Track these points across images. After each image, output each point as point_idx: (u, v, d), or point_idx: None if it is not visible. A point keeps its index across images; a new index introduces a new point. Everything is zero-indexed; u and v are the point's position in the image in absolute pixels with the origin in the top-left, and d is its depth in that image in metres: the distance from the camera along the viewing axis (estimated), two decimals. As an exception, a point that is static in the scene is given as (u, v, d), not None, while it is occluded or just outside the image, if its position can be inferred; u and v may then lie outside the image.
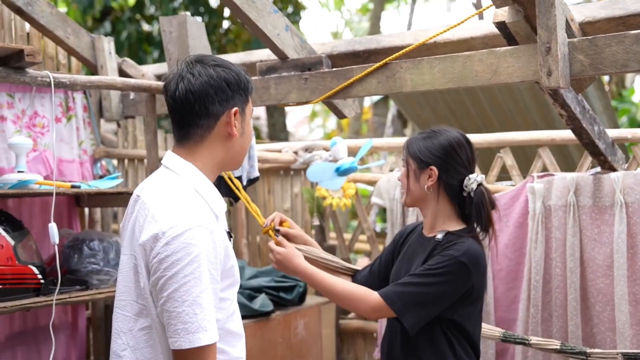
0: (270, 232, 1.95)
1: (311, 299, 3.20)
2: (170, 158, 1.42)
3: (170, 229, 1.28)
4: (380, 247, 3.53)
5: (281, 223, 1.95)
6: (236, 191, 2.20)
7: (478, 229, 1.82)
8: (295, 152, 3.42)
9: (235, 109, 1.39)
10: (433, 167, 1.80)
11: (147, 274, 1.32)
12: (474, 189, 1.81)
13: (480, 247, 1.79)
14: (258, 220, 2.02)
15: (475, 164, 1.85)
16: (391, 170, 3.38)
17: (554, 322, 2.55)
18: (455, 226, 1.83)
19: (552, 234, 2.57)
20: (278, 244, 1.91)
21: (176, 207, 1.32)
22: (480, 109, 4.52)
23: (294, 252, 1.88)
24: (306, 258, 1.91)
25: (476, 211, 1.80)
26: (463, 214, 1.83)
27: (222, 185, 2.42)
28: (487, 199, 1.82)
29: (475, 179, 1.82)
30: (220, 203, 1.43)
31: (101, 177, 2.95)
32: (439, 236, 1.79)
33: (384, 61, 2.19)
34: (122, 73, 3.01)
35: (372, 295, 1.77)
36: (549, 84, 1.85)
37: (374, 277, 1.98)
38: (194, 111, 1.38)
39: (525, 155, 4.02)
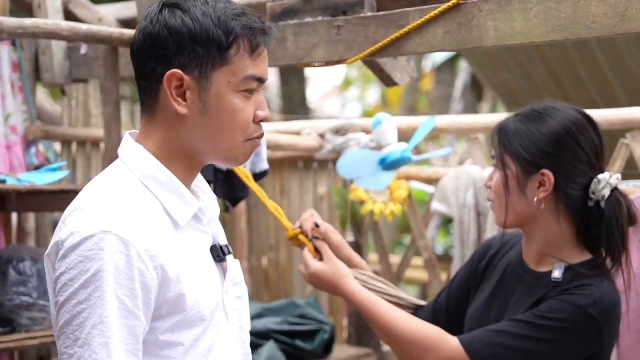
0: (302, 237, 1.98)
1: (341, 350, 3.21)
2: (122, 141, 1.46)
3: (69, 236, 1.31)
4: (443, 277, 3.49)
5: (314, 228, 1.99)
6: (245, 180, 2.17)
7: (606, 258, 1.81)
8: (321, 135, 3.41)
9: (172, 71, 1.38)
10: (546, 171, 1.79)
11: (53, 296, 1.38)
12: (606, 196, 1.79)
13: (617, 294, 1.78)
14: (281, 222, 2.03)
15: (604, 157, 1.84)
16: (460, 163, 3.34)
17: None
18: (577, 256, 1.82)
19: None
20: (314, 253, 1.94)
21: (89, 207, 1.33)
22: (597, 74, 4.46)
23: (340, 268, 1.92)
24: None
25: (608, 231, 1.79)
26: (586, 235, 1.83)
27: (218, 181, 2.42)
28: (625, 211, 1.80)
29: (607, 180, 1.80)
30: (187, 203, 1.42)
31: (37, 167, 2.96)
32: (557, 274, 1.79)
33: (454, 0, 2.16)
34: (69, 15, 3.03)
35: (448, 341, 1.78)
36: None
37: (440, 315, 1.99)
38: (135, 69, 1.44)
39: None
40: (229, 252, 1.50)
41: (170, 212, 1.40)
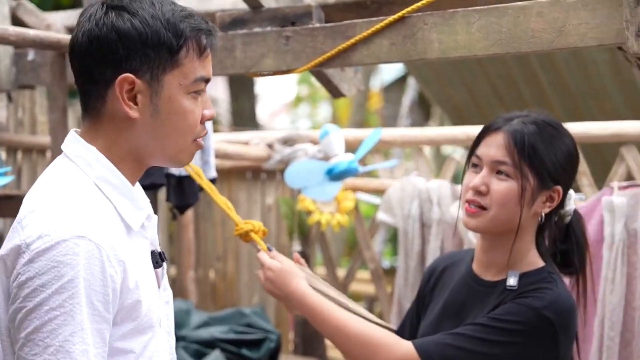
0: (254, 235, 1.97)
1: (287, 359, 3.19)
2: (70, 139, 1.42)
3: (37, 239, 1.27)
4: (389, 289, 3.52)
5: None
6: (195, 177, 2.16)
7: (565, 270, 1.84)
8: (270, 146, 3.41)
9: (124, 75, 1.36)
10: (558, 187, 1.80)
11: (4, 303, 1.33)
12: (571, 212, 1.84)
13: (573, 299, 1.78)
14: (231, 217, 2.02)
15: None
16: (406, 175, 3.38)
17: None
18: (532, 264, 1.82)
19: (637, 272, 2.57)
20: (267, 250, 1.93)
21: (53, 209, 1.31)
22: (537, 90, 4.55)
23: (293, 270, 1.90)
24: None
25: (578, 244, 1.83)
26: (548, 246, 1.85)
27: (171, 187, 2.41)
28: (584, 225, 1.86)
29: (573, 197, 1.85)
30: (136, 206, 1.42)
31: (-18, 174, 2.91)
32: (512, 281, 1.77)
33: (400, 13, 2.18)
34: (17, 22, 2.98)
35: (400, 343, 1.76)
36: (639, 50, 1.85)
37: None
38: (78, 72, 1.40)
39: (601, 157, 4.03)
40: (165, 259, 1.49)
41: (124, 217, 1.39)
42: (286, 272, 1.88)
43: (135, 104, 1.38)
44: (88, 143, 1.40)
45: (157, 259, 1.45)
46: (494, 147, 1.80)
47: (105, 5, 1.39)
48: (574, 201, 1.85)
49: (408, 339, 1.92)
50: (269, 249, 1.97)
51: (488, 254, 1.85)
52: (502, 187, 1.77)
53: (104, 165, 1.39)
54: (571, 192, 1.85)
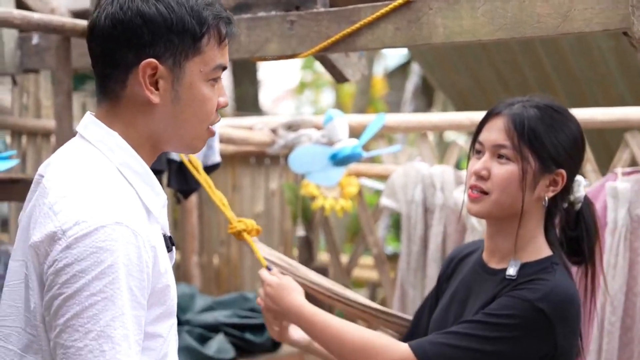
0: (246, 236, 1.99)
1: (290, 344, 3.20)
2: (88, 123, 1.42)
3: (74, 225, 1.27)
4: (392, 275, 3.53)
5: None
6: (193, 171, 2.17)
7: (574, 259, 1.83)
8: (274, 131, 3.41)
9: (149, 61, 1.36)
10: (562, 171, 1.78)
11: (39, 289, 1.32)
12: (581, 198, 1.82)
13: (573, 288, 1.75)
14: (225, 214, 2.03)
15: None
16: (410, 161, 3.38)
17: (637, 386, 2.55)
18: (537, 253, 1.80)
19: (640, 257, 2.57)
20: (260, 255, 1.96)
21: (86, 194, 1.31)
22: (542, 76, 4.54)
23: (291, 285, 1.91)
24: (318, 297, 1.96)
25: (588, 232, 1.81)
26: (558, 235, 1.83)
27: (172, 172, 2.41)
28: (595, 213, 1.84)
29: (583, 183, 1.83)
30: (155, 192, 1.43)
31: (-13, 157, 2.92)
32: (512, 271, 1.76)
33: (405, -3, 2.18)
34: (22, 4, 2.98)
35: (397, 345, 1.76)
36: (644, 35, 1.85)
37: (423, 335, 1.93)
38: (99, 55, 1.40)
39: (605, 143, 4.03)
40: (174, 243, 1.51)
41: (146, 202, 1.39)
42: (284, 287, 1.91)
43: (157, 89, 1.38)
44: (109, 128, 1.40)
45: (168, 244, 1.46)
46: (495, 132, 1.80)
47: None
48: (584, 188, 1.83)
49: (425, 325, 1.95)
50: (269, 268, 1.98)
51: (493, 240, 1.84)
52: (502, 170, 1.77)
53: (125, 151, 1.39)
54: (580, 178, 1.83)
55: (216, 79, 1.43)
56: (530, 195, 1.77)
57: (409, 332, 2.00)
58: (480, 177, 1.79)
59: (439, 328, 1.84)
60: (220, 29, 1.41)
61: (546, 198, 1.79)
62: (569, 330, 1.72)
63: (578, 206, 1.83)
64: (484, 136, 1.83)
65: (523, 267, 1.76)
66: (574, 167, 1.81)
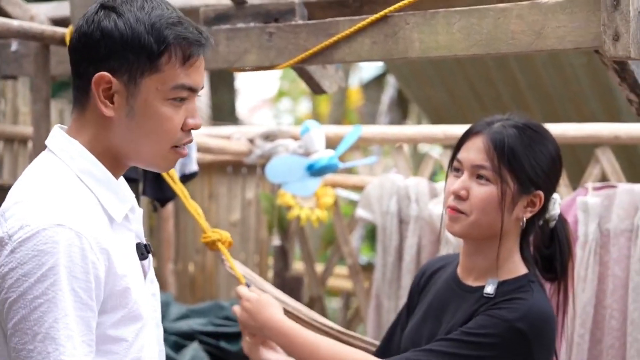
0: (220, 245, 2.01)
1: (264, 353, 3.19)
2: (54, 133, 1.45)
3: (19, 230, 1.29)
4: (366, 285, 3.54)
5: None
6: (168, 179, 2.18)
7: (548, 276, 1.83)
8: (251, 141, 3.42)
9: (101, 74, 1.37)
10: (540, 192, 1.77)
11: None
12: (556, 216, 1.82)
13: (549, 306, 1.75)
14: (199, 223, 2.04)
15: None
16: (385, 172, 3.40)
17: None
18: (513, 271, 1.79)
19: (610, 270, 2.60)
20: (233, 265, 1.97)
21: (35, 199, 1.32)
22: (515, 92, 4.58)
23: (269, 301, 1.91)
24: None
25: (562, 249, 1.81)
26: (533, 252, 1.83)
27: (148, 180, 2.41)
28: (570, 231, 1.83)
29: (558, 201, 1.82)
30: (119, 199, 1.43)
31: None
32: (489, 289, 1.75)
33: (382, 13, 2.20)
34: (1, 11, 2.96)
35: None
36: (615, 53, 1.88)
37: (395, 352, 1.92)
38: (71, 67, 1.44)
39: (576, 158, 4.06)
40: (150, 251, 1.51)
41: (107, 209, 1.40)
42: (263, 303, 1.90)
43: (112, 103, 1.39)
44: (72, 137, 1.42)
45: (143, 251, 1.47)
46: (474, 151, 1.78)
47: (100, 5, 1.41)
48: (558, 205, 1.83)
49: (398, 341, 1.93)
50: (247, 285, 1.99)
51: (471, 259, 1.83)
52: (482, 191, 1.75)
53: (86, 158, 1.40)
54: (556, 196, 1.83)
55: (180, 99, 1.41)
56: (508, 217, 1.76)
57: (381, 348, 1.99)
58: (458, 197, 1.78)
59: (412, 344, 1.83)
60: (184, 49, 1.39)
61: (524, 219, 1.78)
62: (546, 348, 1.72)
63: (552, 224, 1.83)
64: (462, 155, 1.81)
65: (501, 285, 1.75)
66: (552, 188, 1.81)
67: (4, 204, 1.35)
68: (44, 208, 1.30)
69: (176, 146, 1.43)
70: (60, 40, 2.41)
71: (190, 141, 1.46)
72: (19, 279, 1.27)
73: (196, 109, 1.46)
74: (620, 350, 2.56)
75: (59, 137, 1.43)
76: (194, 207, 2.10)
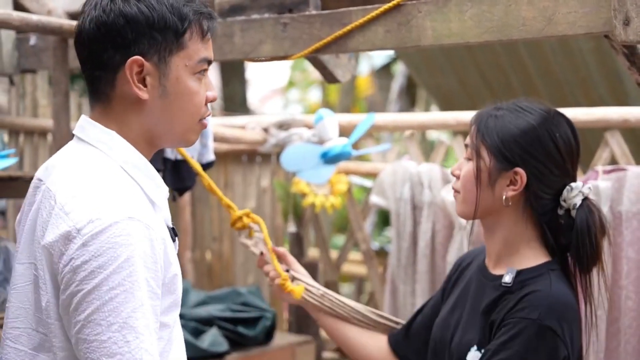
0: (246, 220, 2.04)
1: (282, 337, 3.22)
2: (85, 125, 1.44)
3: (88, 224, 1.29)
4: (380, 270, 3.55)
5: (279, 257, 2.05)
6: (197, 168, 2.20)
7: (574, 267, 1.75)
8: (266, 130, 3.43)
9: (134, 58, 1.39)
10: (519, 170, 1.73)
11: (53, 288, 1.33)
12: (577, 204, 1.73)
13: (567, 290, 1.72)
14: (231, 212, 2.09)
15: (577, 164, 1.79)
16: (398, 159, 3.40)
17: (623, 376, 2.59)
18: (532, 259, 1.76)
19: (623, 252, 2.61)
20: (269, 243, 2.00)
21: (95, 193, 1.33)
22: (524, 78, 4.57)
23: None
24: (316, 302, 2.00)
25: (579, 240, 1.72)
26: (553, 241, 1.77)
27: (167, 170, 2.43)
28: (598, 221, 1.73)
29: (580, 189, 1.74)
30: (158, 186, 1.45)
31: (-15, 156, 2.91)
32: (507, 278, 1.73)
33: (395, 1, 2.20)
34: (19, 6, 2.97)
35: None
36: (625, 38, 1.87)
37: (415, 343, 1.95)
38: (87, 59, 1.42)
39: (586, 142, 4.04)
40: (177, 234, 1.53)
41: (150, 195, 1.41)
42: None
43: (145, 85, 1.41)
44: (107, 128, 1.42)
45: (172, 234, 1.48)
46: (469, 135, 1.82)
47: None
48: (579, 193, 1.74)
49: (419, 326, 1.96)
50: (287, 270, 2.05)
51: (487, 244, 1.83)
52: (465, 168, 1.79)
53: (126, 148, 1.41)
54: (577, 183, 1.76)
55: (202, 73, 1.46)
56: (490, 194, 1.75)
57: (403, 332, 2.00)
58: (455, 176, 1.82)
59: (441, 332, 1.84)
60: (202, 24, 1.44)
61: (504, 197, 1.74)
62: (574, 333, 1.70)
63: (573, 212, 1.76)
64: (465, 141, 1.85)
65: (519, 274, 1.74)
66: (537, 167, 1.74)
67: (58, 198, 1.34)
68: (108, 201, 1.31)
69: (201, 119, 1.47)
70: (79, 34, 2.42)
71: (210, 114, 1.50)
72: (94, 271, 1.26)
73: (211, 82, 1.50)
74: (638, 330, 2.56)
75: (92, 128, 1.43)
76: (221, 197, 2.14)
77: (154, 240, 1.33)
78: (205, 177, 2.17)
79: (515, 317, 1.67)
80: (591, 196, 1.76)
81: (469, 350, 1.74)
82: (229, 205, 2.13)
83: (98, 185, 1.34)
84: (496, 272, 1.80)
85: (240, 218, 2.07)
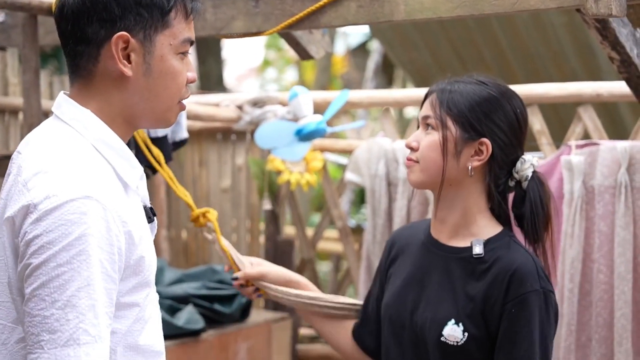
0: (202, 219, 2.07)
1: (258, 315, 3.21)
2: (61, 102, 1.43)
3: (44, 199, 1.28)
4: (356, 247, 3.54)
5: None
6: (153, 162, 2.20)
7: (524, 239, 1.80)
8: (240, 107, 3.40)
9: (121, 34, 1.37)
10: (485, 140, 1.76)
11: (14, 263, 1.33)
12: (529, 176, 1.80)
13: (533, 255, 1.79)
14: (191, 207, 2.10)
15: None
16: (373, 136, 3.39)
17: (593, 348, 2.61)
18: (489, 229, 1.80)
19: (595, 226, 2.62)
20: (226, 250, 2.05)
21: (58, 170, 1.32)
22: (497, 53, 4.58)
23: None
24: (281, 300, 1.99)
25: (532, 211, 1.78)
26: (494, 210, 1.82)
27: (139, 152, 2.39)
28: (547, 191, 1.80)
29: (531, 161, 1.80)
30: (133, 167, 1.44)
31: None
32: (478, 249, 1.76)
33: (367, -24, 2.18)
34: (-12, -16, 2.92)
35: None
36: (597, 11, 1.87)
37: (371, 325, 1.96)
38: (69, 33, 1.40)
39: (559, 117, 4.08)
40: (155, 214, 1.52)
41: (122, 176, 1.40)
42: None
43: (129, 62, 1.39)
44: (81, 106, 1.40)
45: (149, 214, 1.47)
46: (425, 107, 1.82)
47: None
48: (531, 165, 1.80)
49: (373, 313, 1.95)
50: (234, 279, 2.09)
51: (439, 217, 1.83)
52: (427, 139, 1.79)
53: (99, 127, 1.40)
54: (528, 156, 1.81)
55: (185, 53, 1.45)
56: (455, 164, 1.76)
57: (360, 321, 2.00)
58: (410, 148, 1.83)
59: (397, 312, 1.83)
60: (185, 4, 1.43)
61: (469, 167, 1.76)
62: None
63: (525, 184, 1.80)
64: (419, 113, 1.85)
65: (486, 244, 1.77)
66: (504, 139, 1.77)
67: (23, 173, 1.33)
68: (69, 179, 1.30)
69: (180, 100, 1.46)
70: (48, 10, 2.37)
71: (189, 95, 1.49)
72: (43, 246, 1.26)
73: (191, 63, 1.48)
74: (609, 302, 2.59)
75: (68, 106, 1.41)
76: (183, 192, 2.17)
77: (110, 221, 1.31)
78: (166, 172, 2.16)
79: (518, 296, 1.71)
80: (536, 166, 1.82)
81: (445, 324, 1.74)
82: (189, 204, 2.15)
83: (63, 163, 1.33)
84: (453, 243, 1.81)
85: (197, 217, 2.11)
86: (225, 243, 2.09)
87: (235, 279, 2.06)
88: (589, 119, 2.85)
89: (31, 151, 1.38)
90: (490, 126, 1.76)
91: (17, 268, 1.31)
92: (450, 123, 1.76)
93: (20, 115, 3.14)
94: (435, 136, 1.78)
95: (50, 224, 1.26)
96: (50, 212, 1.27)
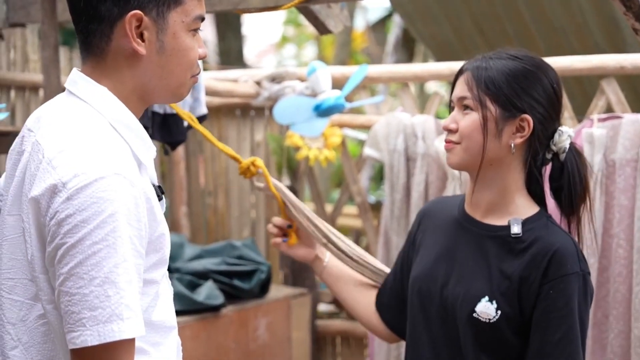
0: (252, 168, 2.11)
1: (277, 290, 3.23)
2: (77, 79, 1.43)
3: (73, 177, 1.28)
4: (375, 223, 3.54)
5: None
6: (192, 122, 2.21)
7: (560, 212, 1.80)
8: (258, 83, 3.39)
9: (134, 12, 1.38)
10: (526, 116, 1.74)
11: (37, 242, 1.33)
12: (566, 148, 1.78)
13: (567, 233, 1.79)
14: (237, 159, 2.14)
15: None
16: (391, 111, 3.37)
17: (610, 324, 2.60)
18: (526, 209, 1.79)
19: (615, 200, 2.60)
20: (277, 194, 2.08)
21: (83, 148, 1.32)
22: (520, 26, 4.52)
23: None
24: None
25: (571, 182, 1.77)
26: (531, 189, 1.81)
27: (156, 125, 2.40)
28: (585, 162, 1.79)
29: (568, 133, 1.78)
30: (146, 145, 1.45)
31: (-24, 112, 2.89)
32: (516, 229, 1.75)
33: (386, -52, 2.16)
34: (6, -40, 2.93)
35: None
36: (621, -18, 1.84)
37: (396, 298, 1.98)
38: (82, 10, 1.40)
39: (582, 90, 4.03)
40: (164, 192, 1.53)
41: (138, 155, 1.42)
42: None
43: (142, 40, 1.40)
44: (98, 83, 1.41)
45: (158, 193, 1.48)
46: (459, 87, 1.79)
47: None
48: (568, 137, 1.78)
49: (398, 290, 1.97)
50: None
51: (476, 194, 1.82)
52: (466, 120, 1.76)
53: (117, 106, 1.41)
54: (565, 128, 1.79)
55: (196, 30, 1.46)
56: (497, 143, 1.75)
57: (383, 288, 2.02)
58: (449, 130, 1.80)
59: (426, 286, 1.84)
60: None
61: (512, 145, 1.75)
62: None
63: (562, 156, 1.79)
64: (453, 93, 1.82)
65: (525, 224, 1.76)
66: (544, 113, 1.76)
67: (47, 152, 1.33)
68: (95, 156, 1.30)
69: (193, 75, 1.48)
70: (65, -14, 2.38)
71: (200, 70, 1.50)
72: (78, 225, 1.26)
73: (202, 39, 1.49)
74: (628, 278, 2.57)
75: (85, 83, 1.41)
76: (222, 146, 2.18)
77: (138, 197, 1.32)
78: (204, 131, 2.17)
79: (558, 278, 1.71)
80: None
81: (478, 301, 1.75)
82: (234, 157, 2.16)
83: (86, 141, 1.33)
84: (489, 221, 1.80)
85: (247, 167, 2.12)
86: (277, 186, 2.12)
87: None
88: (612, 92, 2.82)
89: (50, 128, 1.38)
90: (530, 101, 1.74)
91: (45, 247, 1.31)
92: (489, 102, 1.74)
93: (41, 92, 3.17)
94: (474, 116, 1.75)
95: (82, 202, 1.27)
96: (80, 190, 1.27)
